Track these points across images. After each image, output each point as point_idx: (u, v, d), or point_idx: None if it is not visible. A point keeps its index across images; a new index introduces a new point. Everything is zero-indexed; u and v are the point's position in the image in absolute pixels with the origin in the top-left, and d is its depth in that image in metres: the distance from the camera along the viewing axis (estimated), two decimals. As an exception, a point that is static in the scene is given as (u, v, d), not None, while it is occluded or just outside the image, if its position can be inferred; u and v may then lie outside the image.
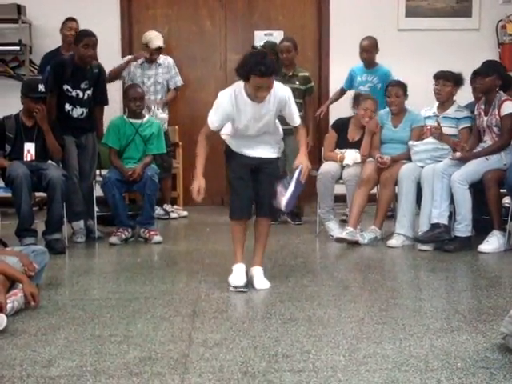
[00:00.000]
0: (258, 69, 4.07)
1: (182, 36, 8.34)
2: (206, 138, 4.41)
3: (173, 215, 7.36)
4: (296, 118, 4.49)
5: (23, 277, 3.90)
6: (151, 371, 2.93)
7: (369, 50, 6.80)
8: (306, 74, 7.03)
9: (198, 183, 4.32)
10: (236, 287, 4.32)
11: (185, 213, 7.50)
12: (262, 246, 4.60)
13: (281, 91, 4.35)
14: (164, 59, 7.39)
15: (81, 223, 6.09)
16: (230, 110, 4.29)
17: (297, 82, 6.82)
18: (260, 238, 4.60)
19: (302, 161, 4.36)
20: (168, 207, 7.39)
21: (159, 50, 7.29)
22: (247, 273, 4.47)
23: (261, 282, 4.44)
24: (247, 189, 4.45)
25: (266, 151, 4.51)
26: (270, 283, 4.44)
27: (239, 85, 4.30)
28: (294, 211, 6.92)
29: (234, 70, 4.27)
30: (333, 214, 6.20)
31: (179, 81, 7.47)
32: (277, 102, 4.33)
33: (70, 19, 7.05)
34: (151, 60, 7.22)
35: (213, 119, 4.34)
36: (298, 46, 6.98)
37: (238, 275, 4.41)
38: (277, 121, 4.53)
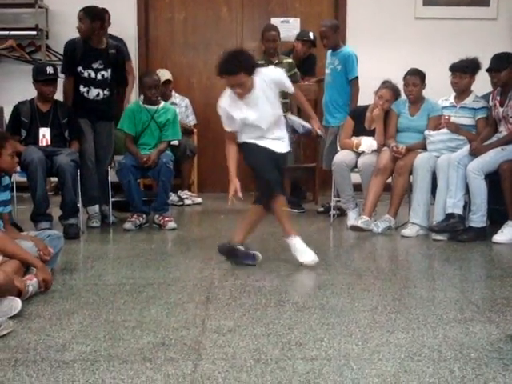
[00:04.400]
0: (222, 70, 4.40)
1: (198, 22, 8.33)
2: (230, 141, 4.66)
3: (187, 202, 7.38)
4: (290, 88, 4.71)
5: (37, 261, 3.92)
6: (164, 357, 2.94)
7: (326, 36, 6.71)
8: (290, 60, 7.04)
9: (234, 185, 4.53)
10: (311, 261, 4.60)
11: (199, 199, 7.53)
12: (246, 230, 4.80)
13: (272, 74, 4.61)
14: (181, 100, 7.73)
15: (96, 208, 6.11)
16: (229, 111, 4.53)
17: (283, 69, 6.82)
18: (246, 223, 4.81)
19: (318, 126, 4.89)
20: (183, 194, 7.41)
21: (168, 84, 7.59)
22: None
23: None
24: (274, 168, 4.60)
25: (278, 145, 4.68)
26: (284, 271, 4.47)
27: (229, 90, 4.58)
28: (293, 200, 6.96)
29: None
30: (353, 202, 6.18)
31: (193, 120, 7.85)
32: (272, 84, 4.55)
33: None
34: (165, 96, 7.32)
35: (224, 123, 4.62)
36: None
37: (306, 251, 4.65)
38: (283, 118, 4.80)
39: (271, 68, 4.73)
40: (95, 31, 5.90)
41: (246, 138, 4.64)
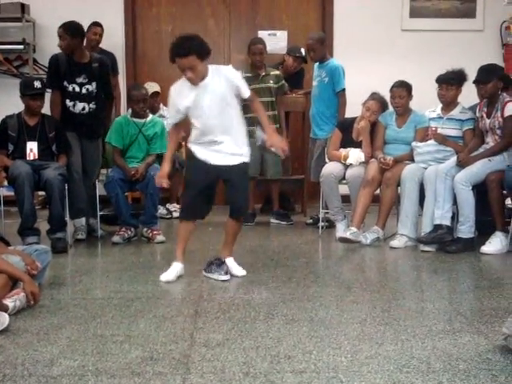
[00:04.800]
0: (175, 50, 4.37)
1: (185, 35, 8.33)
2: (173, 131, 4.72)
3: (175, 215, 7.37)
4: (245, 91, 4.56)
5: (24, 275, 3.90)
6: (153, 371, 2.92)
7: (313, 49, 6.75)
8: (277, 72, 7.10)
9: (163, 170, 4.66)
10: (164, 280, 4.58)
11: None
12: (230, 242, 4.82)
13: (225, 70, 4.55)
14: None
15: (82, 220, 6.10)
16: (178, 99, 4.49)
17: (270, 81, 6.91)
18: (228, 237, 4.81)
19: (274, 141, 4.59)
20: (171, 206, 7.40)
21: (156, 96, 7.56)
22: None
23: (237, 269, 4.72)
24: (201, 195, 4.60)
25: (231, 155, 4.56)
26: (273, 283, 4.47)
27: (183, 78, 4.51)
28: (281, 212, 6.99)
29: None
30: (342, 214, 6.19)
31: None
32: (224, 81, 4.46)
33: (96, 24, 7.30)
34: (153, 109, 7.33)
35: (170, 117, 4.70)
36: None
37: (170, 271, 4.64)
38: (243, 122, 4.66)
39: (228, 67, 4.65)
40: (76, 47, 5.91)
41: (193, 141, 4.61)
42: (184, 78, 4.44)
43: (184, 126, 4.72)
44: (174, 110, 4.55)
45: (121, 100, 7.69)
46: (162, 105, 7.71)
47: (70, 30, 5.90)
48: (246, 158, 4.61)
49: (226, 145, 4.52)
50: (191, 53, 4.31)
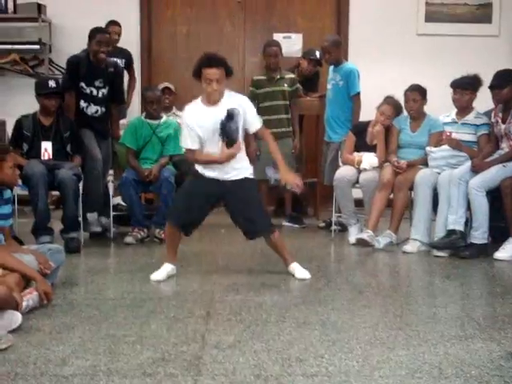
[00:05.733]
0: (206, 60, 4.47)
1: (201, 36, 8.34)
2: (198, 154, 4.68)
3: None
4: (256, 123, 4.73)
5: (37, 275, 3.92)
6: (164, 372, 2.93)
7: (328, 51, 6.73)
8: (292, 75, 7.09)
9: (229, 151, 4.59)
10: (154, 280, 4.64)
11: None
12: (283, 252, 4.84)
13: (238, 97, 4.68)
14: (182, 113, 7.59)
15: (95, 215, 6.11)
16: (191, 123, 4.58)
17: (285, 84, 6.89)
18: (278, 250, 4.85)
19: (287, 178, 4.72)
20: None
21: (168, 92, 7.48)
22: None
23: (301, 272, 4.74)
24: (194, 204, 4.66)
25: (238, 169, 4.69)
26: (285, 286, 4.49)
27: (197, 99, 4.66)
28: (293, 215, 6.99)
29: (192, 74, 4.58)
30: (355, 218, 6.18)
31: None
32: (236, 106, 4.57)
33: (113, 22, 7.33)
34: (165, 107, 7.33)
35: (184, 141, 4.70)
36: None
37: (160, 271, 4.71)
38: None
39: (243, 97, 4.78)
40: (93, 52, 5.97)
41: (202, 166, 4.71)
42: (193, 101, 4.65)
43: None
44: (187, 133, 4.64)
45: (135, 93, 7.79)
46: (174, 107, 7.71)
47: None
48: (249, 173, 4.76)
49: (229, 165, 4.65)
50: (222, 65, 4.47)
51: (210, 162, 4.65)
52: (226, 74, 4.50)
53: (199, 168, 4.71)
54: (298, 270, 4.74)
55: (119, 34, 7.41)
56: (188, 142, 4.64)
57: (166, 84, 7.58)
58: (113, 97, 6.20)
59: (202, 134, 4.58)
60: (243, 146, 4.74)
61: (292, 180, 4.73)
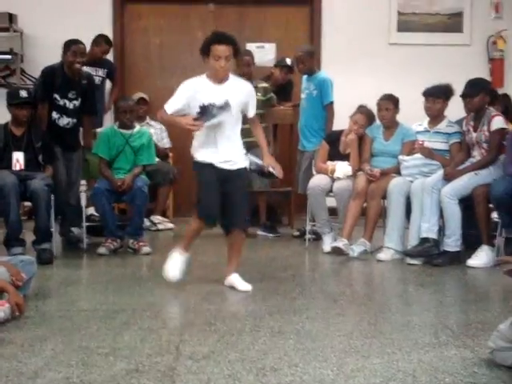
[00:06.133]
0: (216, 37, 4.49)
1: (173, 46, 8.36)
2: (165, 114, 4.63)
3: (160, 227, 7.34)
4: (252, 110, 4.72)
5: (9, 286, 3.87)
6: (138, 383, 2.91)
7: (302, 61, 6.76)
8: (266, 85, 7.12)
9: (185, 120, 4.51)
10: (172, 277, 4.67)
11: (171, 225, 7.48)
12: (236, 257, 4.79)
13: (245, 83, 4.73)
14: (156, 123, 7.69)
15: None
16: (189, 93, 4.53)
17: (259, 94, 6.86)
18: (234, 251, 4.77)
19: (270, 162, 4.80)
20: (155, 218, 7.35)
21: (144, 103, 7.70)
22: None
23: (243, 284, 4.64)
24: (216, 191, 4.58)
25: (233, 160, 4.64)
26: (259, 296, 4.45)
27: (202, 75, 4.61)
28: (268, 224, 6.99)
29: (199, 52, 4.56)
30: (329, 227, 6.18)
31: (168, 143, 7.87)
32: (242, 91, 4.62)
33: (107, 42, 7.67)
34: (140, 116, 7.46)
35: (170, 102, 4.58)
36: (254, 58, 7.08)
37: (173, 264, 4.70)
38: None
39: (248, 83, 4.82)
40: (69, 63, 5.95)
41: (202, 153, 4.65)
42: (199, 76, 4.61)
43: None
44: (179, 99, 4.56)
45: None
46: (148, 117, 7.72)
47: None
48: (244, 164, 4.72)
49: (225, 151, 4.60)
50: (232, 43, 4.49)
51: (171, 123, 4.77)
52: (235, 53, 4.51)
53: (198, 154, 4.67)
54: (239, 282, 4.66)
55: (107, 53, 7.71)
56: (170, 103, 4.57)
57: (141, 94, 7.60)
58: (85, 108, 6.17)
59: (197, 103, 4.48)
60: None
61: (274, 163, 4.81)
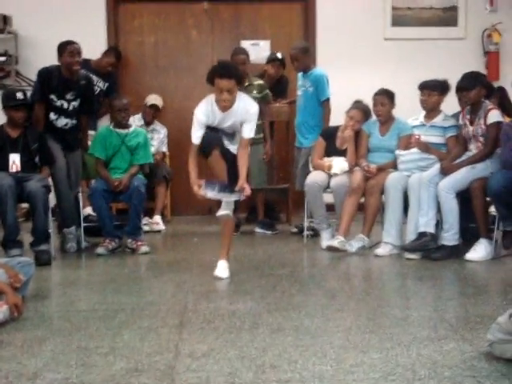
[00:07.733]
0: (219, 70, 4.59)
1: (168, 45, 8.36)
2: (194, 155, 4.79)
3: (157, 228, 7.25)
4: (249, 133, 4.79)
5: (7, 288, 3.87)
6: (138, 383, 2.90)
7: (296, 58, 6.75)
8: (261, 82, 7.11)
9: (196, 184, 4.76)
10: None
11: (158, 227, 7.29)
12: (226, 243, 5.02)
13: (249, 104, 4.76)
14: (161, 127, 7.83)
15: (72, 230, 6.07)
16: (206, 119, 4.68)
17: (254, 91, 6.89)
18: (224, 237, 5.02)
19: (240, 184, 4.73)
20: (154, 219, 7.27)
21: (154, 108, 7.82)
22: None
23: (219, 271, 4.90)
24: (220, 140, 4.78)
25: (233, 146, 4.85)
26: (258, 293, 4.46)
27: (212, 96, 4.68)
28: (265, 221, 7.00)
29: (206, 81, 4.67)
30: (326, 223, 6.18)
31: (165, 148, 7.92)
32: (243, 113, 4.70)
33: (117, 56, 7.83)
34: (148, 121, 7.62)
35: (194, 135, 4.72)
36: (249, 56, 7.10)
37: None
38: None
39: (255, 104, 4.85)
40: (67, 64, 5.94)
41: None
42: (208, 99, 4.70)
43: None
44: (200, 127, 4.71)
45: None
46: (156, 121, 7.79)
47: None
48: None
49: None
50: (234, 77, 4.57)
51: (189, 170, 4.80)
52: (238, 85, 4.63)
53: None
54: (220, 267, 4.89)
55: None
56: (194, 136, 4.72)
57: (154, 101, 7.73)
58: (83, 109, 6.15)
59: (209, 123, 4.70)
60: None
61: (243, 186, 4.74)
